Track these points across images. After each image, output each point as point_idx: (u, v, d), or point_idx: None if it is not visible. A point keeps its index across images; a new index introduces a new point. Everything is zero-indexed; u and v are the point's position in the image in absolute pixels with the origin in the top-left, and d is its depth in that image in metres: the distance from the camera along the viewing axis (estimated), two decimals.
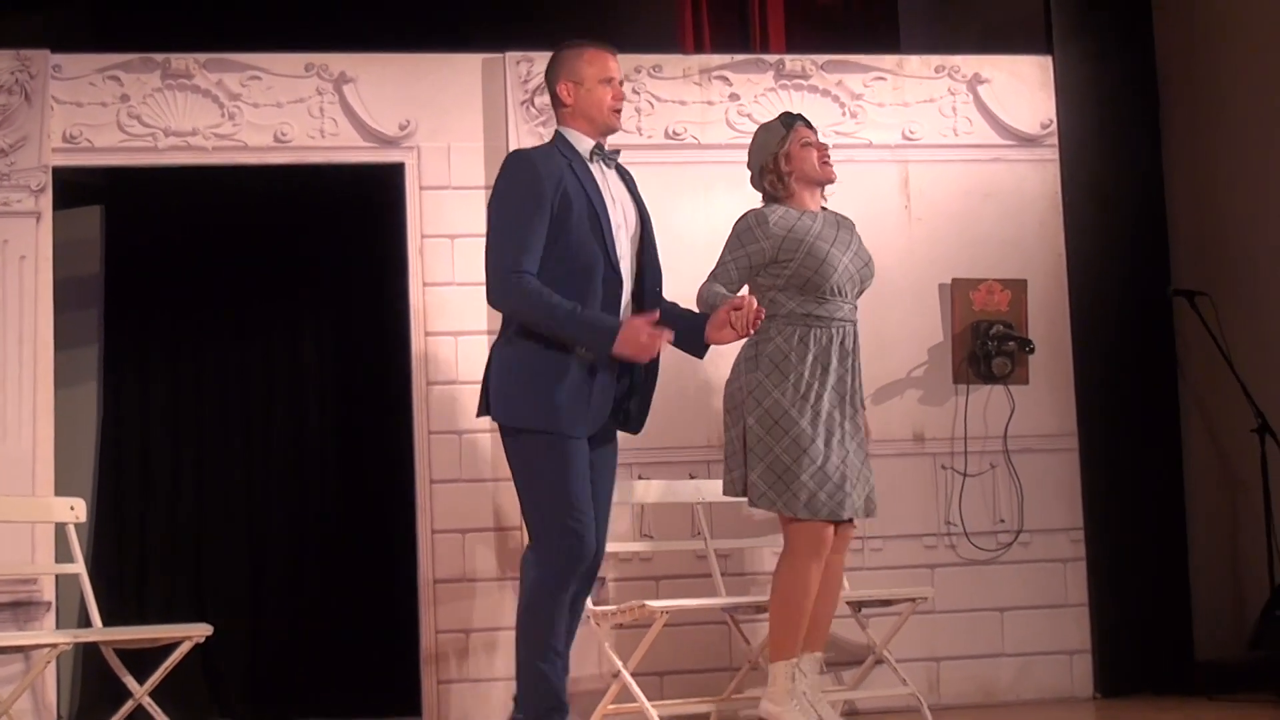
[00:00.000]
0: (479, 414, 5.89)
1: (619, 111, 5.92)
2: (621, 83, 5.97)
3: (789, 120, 6.71)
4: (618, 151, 5.93)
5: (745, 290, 6.49)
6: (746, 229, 6.52)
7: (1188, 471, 8.81)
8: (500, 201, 5.75)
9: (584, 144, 5.86)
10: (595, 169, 5.84)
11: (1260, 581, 8.15)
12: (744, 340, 6.33)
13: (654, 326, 5.59)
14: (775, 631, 6.45)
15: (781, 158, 6.63)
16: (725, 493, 6.62)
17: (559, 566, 5.65)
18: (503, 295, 5.68)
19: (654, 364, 5.89)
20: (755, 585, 7.81)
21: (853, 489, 6.44)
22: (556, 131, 5.94)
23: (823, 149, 6.70)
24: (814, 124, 6.80)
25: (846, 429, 6.47)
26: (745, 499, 6.52)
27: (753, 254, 6.46)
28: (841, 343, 6.50)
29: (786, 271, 6.44)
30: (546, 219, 5.67)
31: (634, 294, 5.89)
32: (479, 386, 5.94)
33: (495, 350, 5.85)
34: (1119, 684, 8.23)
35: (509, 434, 5.78)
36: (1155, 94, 8.95)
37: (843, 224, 6.67)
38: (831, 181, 6.72)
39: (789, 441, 6.34)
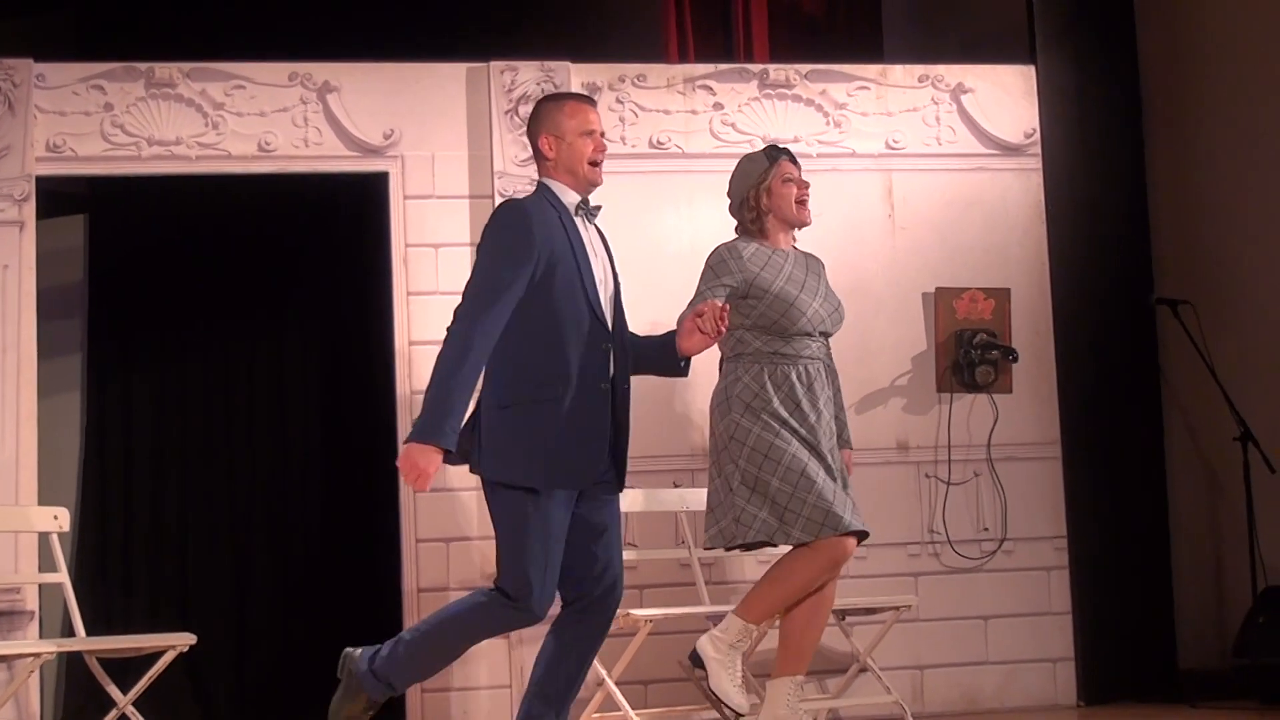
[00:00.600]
0: (458, 463, 5.79)
1: (599, 164, 5.85)
2: (603, 134, 5.90)
3: (774, 154, 6.64)
4: (599, 208, 5.89)
5: None
6: (720, 260, 6.48)
7: (1171, 480, 8.83)
8: (488, 248, 5.69)
9: (569, 197, 5.82)
10: (579, 223, 5.83)
11: (1243, 589, 8.17)
12: (715, 378, 6.39)
13: (429, 475, 5.47)
14: (757, 594, 6.38)
15: (763, 192, 6.55)
16: (709, 545, 6.49)
17: (506, 614, 5.64)
18: (455, 329, 5.59)
19: (624, 422, 5.85)
20: (739, 594, 7.80)
21: (852, 501, 6.40)
22: (540, 183, 5.88)
23: (803, 187, 6.62)
24: (799, 138, 6.78)
25: (830, 460, 6.42)
26: (731, 550, 6.48)
27: (727, 285, 6.43)
28: (811, 381, 6.41)
29: (755, 311, 6.41)
30: (530, 274, 5.63)
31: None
32: None
33: (482, 406, 5.75)
34: (1103, 691, 8.24)
35: (491, 486, 5.76)
36: (1138, 103, 8.98)
37: (811, 265, 6.60)
38: (805, 225, 6.64)
39: (784, 470, 6.26)
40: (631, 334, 5.96)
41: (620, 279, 5.88)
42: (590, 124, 5.85)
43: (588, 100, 5.98)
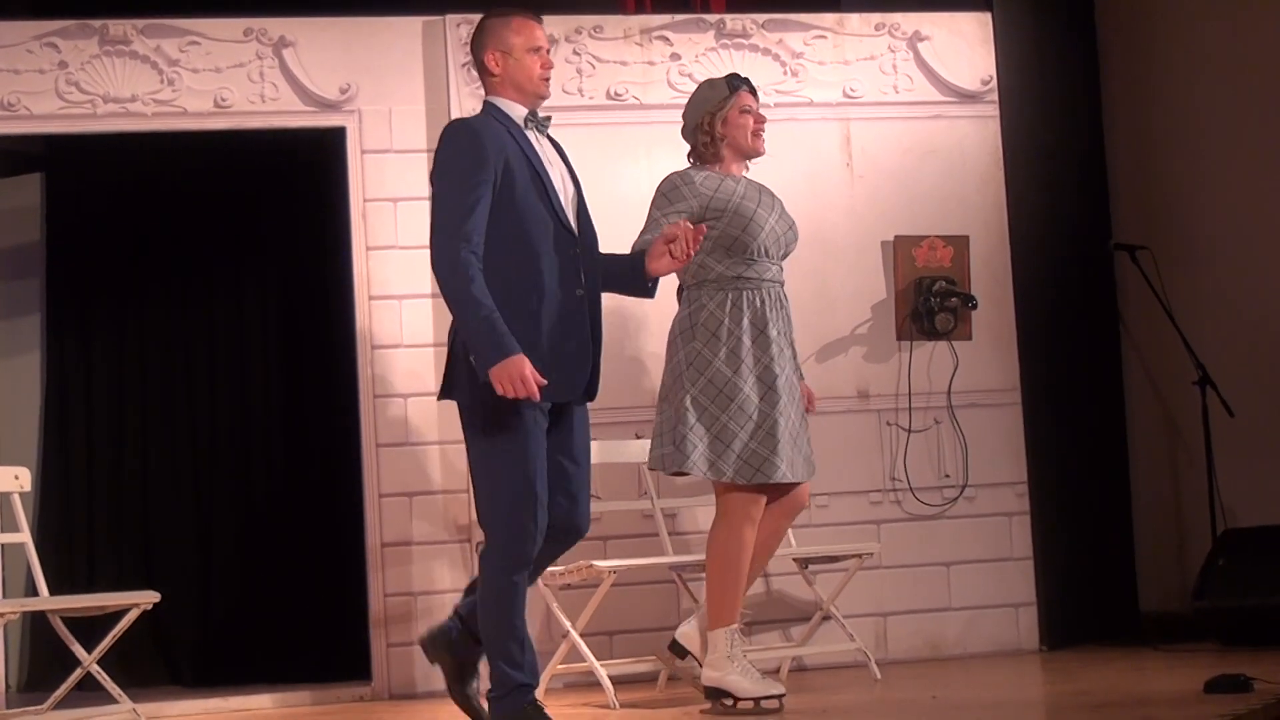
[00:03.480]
0: (441, 397, 5.80)
1: (548, 79, 5.85)
2: (549, 50, 5.90)
3: (735, 83, 6.69)
4: (549, 118, 5.89)
5: None
6: (673, 187, 6.51)
7: (1130, 424, 8.89)
8: (443, 171, 5.64)
9: (517, 111, 5.79)
10: (531, 135, 5.81)
11: (1202, 532, 8.23)
12: (677, 310, 6.43)
13: (533, 375, 5.45)
14: (713, 597, 6.45)
15: (718, 120, 6.62)
16: (652, 466, 6.57)
17: (512, 549, 5.59)
18: (442, 264, 5.54)
19: (598, 331, 5.84)
20: (702, 544, 7.82)
21: (795, 452, 6.46)
22: (486, 101, 5.85)
23: (759, 120, 6.69)
24: (757, 87, 6.79)
25: (790, 391, 6.49)
26: (674, 474, 6.52)
27: (682, 211, 6.44)
28: (774, 305, 6.50)
29: (714, 232, 6.42)
30: (491, 186, 5.60)
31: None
32: (423, 350, 5.91)
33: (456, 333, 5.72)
34: (1065, 636, 8.29)
35: (468, 410, 5.73)
36: (1095, 49, 9.00)
37: (764, 191, 6.66)
38: (759, 155, 6.73)
39: (734, 409, 6.33)
40: (604, 254, 5.95)
41: (582, 185, 5.90)
42: (537, 40, 5.83)
43: (534, 16, 5.90)
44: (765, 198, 6.61)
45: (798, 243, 6.72)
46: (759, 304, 6.45)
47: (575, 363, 5.72)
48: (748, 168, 6.72)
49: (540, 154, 5.76)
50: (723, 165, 6.63)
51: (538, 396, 5.47)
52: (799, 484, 6.54)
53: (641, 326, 7.78)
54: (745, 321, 6.42)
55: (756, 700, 6.31)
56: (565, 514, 5.75)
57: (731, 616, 6.43)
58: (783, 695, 6.36)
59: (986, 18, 8.59)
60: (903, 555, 8.16)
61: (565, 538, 5.82)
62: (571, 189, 5.84)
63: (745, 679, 6.34)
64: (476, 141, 5.65)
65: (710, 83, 6.76)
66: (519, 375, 5.42)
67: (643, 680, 7.50)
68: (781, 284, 6.57)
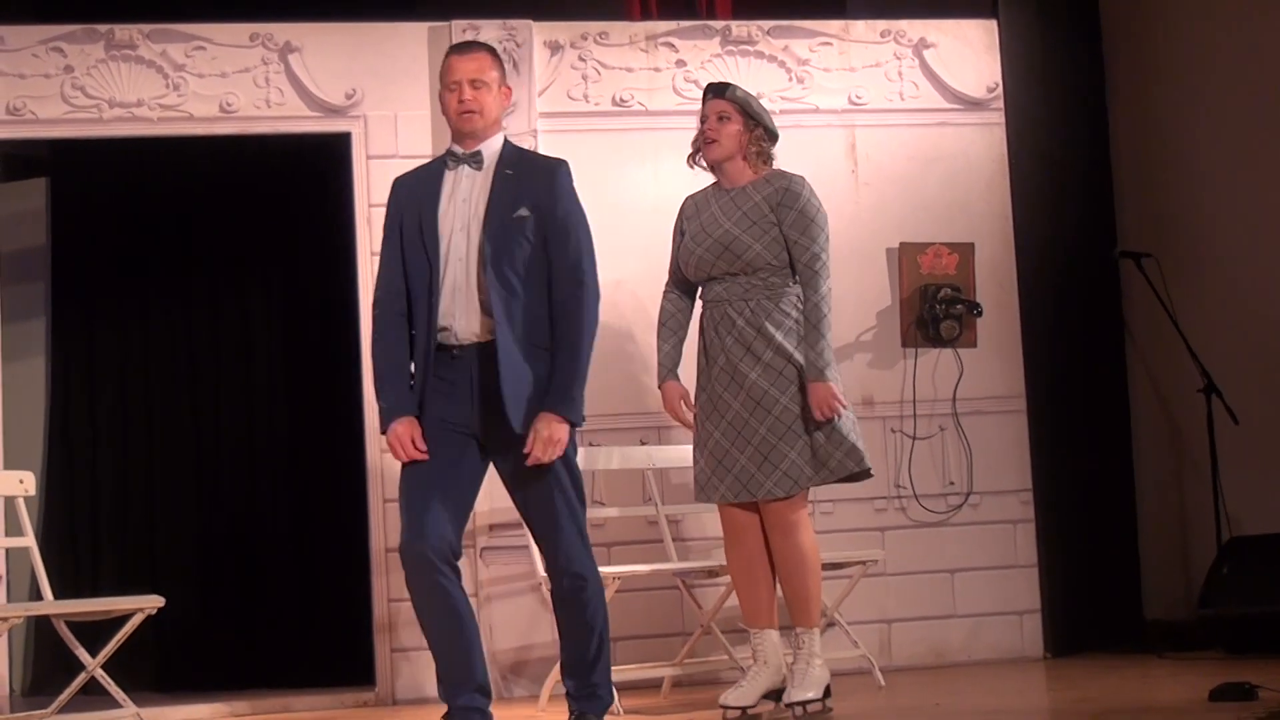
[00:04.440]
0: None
1: (465, 115, 5.75)
2: (474, 83, 5.74)
3: (705, 93, 6.66)
4: (476, 154, 5.76)
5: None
6: (678, 215, 6.64)
7: (1135, 432, 8.88)
8: None
9: (455, 149, 5.81)
10: (451, 173, 5.78)
11: (1207, 540, 8.22)
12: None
13: (417, 447, 5.56)
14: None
15: (701, 134, 6.62)
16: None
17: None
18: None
19: (493, 367, 5.61)
20: (706, 550, 7.83)
21: (718, 475, 6.43)
22: None
23: (711, 126, 6.54)
24: (761, 93, 6.76)
25: (734, 408, 6.38)
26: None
27: (676, 241, 6.62)
28: (716, 324, 6.43)
29: None
30: (396, 240, 5.75)
31: (479, 278, 5.65)
32: None
33: None
34: (1069, 643, 8.28)
35: None
36: (1100, 56, 8.99)
37: (739, 201, 6.47)
38: (709, 162, 6.59)
39: (696, 430, 6.54)
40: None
41: (508, 232, 5.65)
42: (452, 74, 5.80)
43: (457, 49, 5.88)
44: (721, 219, 6.46)
45: (740, 259, 6.41)
46: (713, 323, 6.46)
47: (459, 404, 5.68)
48: (759, 171, 6.56)
49: (445, 192, 5.74)
50: (722, 175, 6.59)
51: (421, 457, 5.58)
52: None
53: (639, 335, 7.75)
54: (704, 342, 6.51)
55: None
56: (547, 559, 5.78)
57: (753, 621, 6.53)
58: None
59: (992, 25, 8.59)
60: (907, 562, 8.16)
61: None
62: (476, 230, 5.67)
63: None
64: (392, 196, 5.83)
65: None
66: (401, 447, 5.58)
67: (647, 686, 7.49)
68: (726, 302, 6.43)
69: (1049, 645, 8.27)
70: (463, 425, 5.62)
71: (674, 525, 7.78)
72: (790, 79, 8.35)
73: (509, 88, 5.91)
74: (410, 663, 7.64)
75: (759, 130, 6.54)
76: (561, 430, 5.52)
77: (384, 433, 5.64)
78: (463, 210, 5.69)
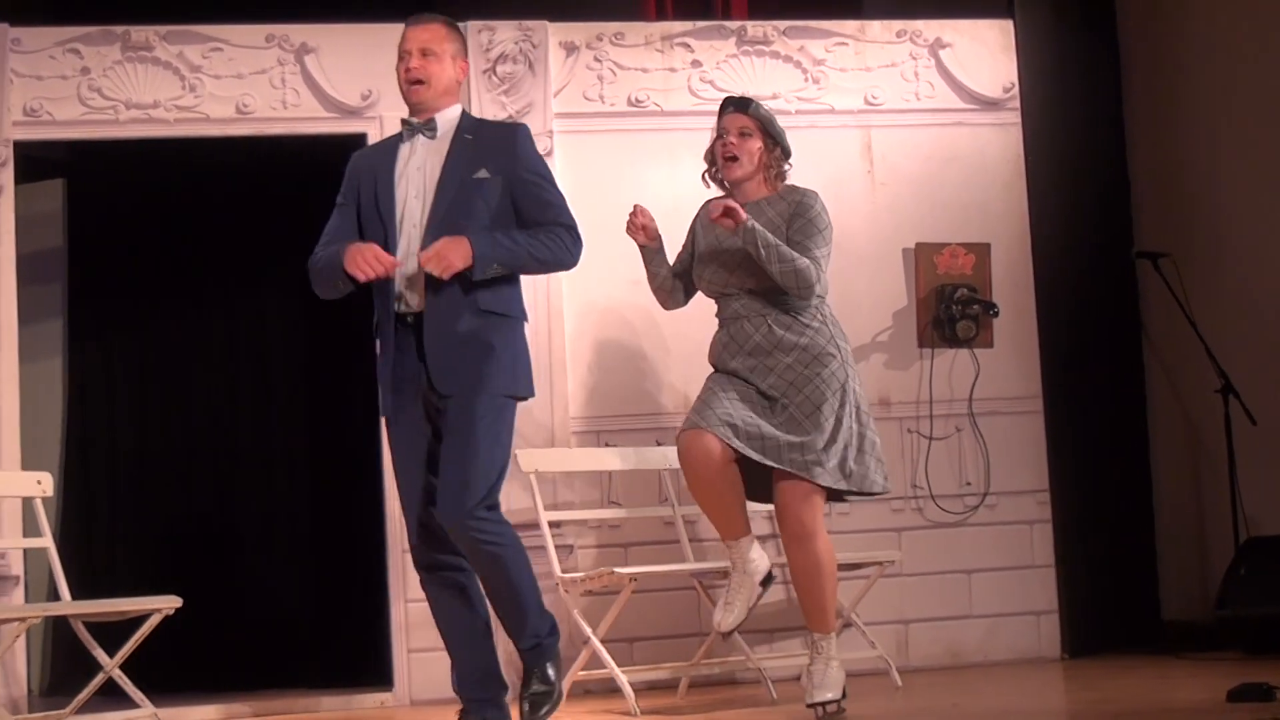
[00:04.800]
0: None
1: (412, 84, 5.81)
2: (424, 52, 5.80)
3: (723, 107, 6.49)
4: (429, 122, 5.81)
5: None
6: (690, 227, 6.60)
7: (1152, 433, 8.87)
8: None
9: (408, 120, 5.86)
10: (406, 145, 5.81)
11: (1225, 540, 8.21)
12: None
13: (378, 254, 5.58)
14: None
15: (716, 148, 6.46)
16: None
17: None
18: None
19: (437, 322, 5.72)
20: (723, 551, 7.81)
21: (724, 417, 6.19)
22: None
23: (726, 145, 6.38)
24: (777, 105, 6.75)
25: (767, 382, 6.23)
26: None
27: (687, 249, 6.55)
28: (733, 338, 6.31)
29: None
30: (350, 207, 5.87)
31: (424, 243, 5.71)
32: None
33: None
34: (1087, 644, 8.28)
35: None
36: (1117, 55, 8.98)
37: (754, 212, 6.28)
38: (729, 181, 6.43)
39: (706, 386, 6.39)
40: None
41: (466, 193, 5.72)
42: (402, 44, 5.88)
43: (412, 20, 5.92)
44: (722, 230, 6.27)
45: (754, 276, 6.24)
46: (728, 336, 6.35)
47: (400, 371, 5.81)
48: (775, 185, 6.43)
49: (399, 163, 5.79)
50: (738, 191, 6.42)
51: (392, 267, 5.59)
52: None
53: (663, 335, 7.76)
54: (719, 358, 6.41)
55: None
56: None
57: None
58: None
59: (1008, 25, 8.58)
60: (924, 563, 8.16)
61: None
62: (427, 199, 5.73)
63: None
64: (349, 168, 5.94)
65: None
66: (358, 256, 5.59)
67: (664, 687, 7.49)
68: (744, 318, 6.28)
69: (1066, 646, 8.26)
70: (419, 389, 5.77)
71: (690, 526, 7.77)
72: (806, 79, 8.34)
73: (466, 62, 5.97)
74: (428, 663, 7.64)
75: (778, 151, 6.44)
76: (456, 250, 5.52)
77: (345, 268, 5.62)
78: (416, 178, 5.77)
